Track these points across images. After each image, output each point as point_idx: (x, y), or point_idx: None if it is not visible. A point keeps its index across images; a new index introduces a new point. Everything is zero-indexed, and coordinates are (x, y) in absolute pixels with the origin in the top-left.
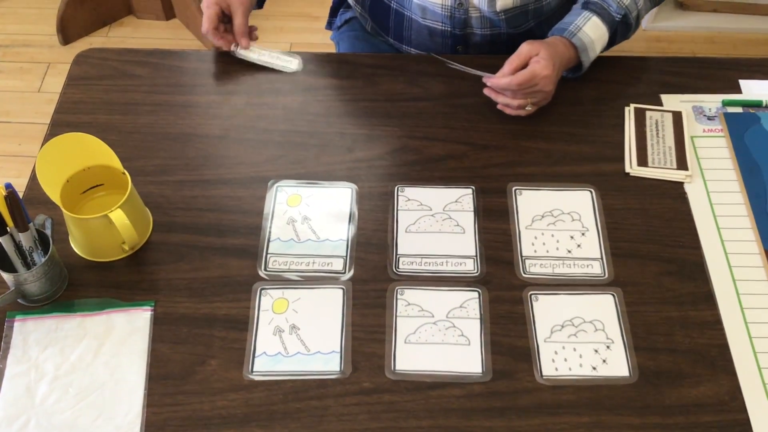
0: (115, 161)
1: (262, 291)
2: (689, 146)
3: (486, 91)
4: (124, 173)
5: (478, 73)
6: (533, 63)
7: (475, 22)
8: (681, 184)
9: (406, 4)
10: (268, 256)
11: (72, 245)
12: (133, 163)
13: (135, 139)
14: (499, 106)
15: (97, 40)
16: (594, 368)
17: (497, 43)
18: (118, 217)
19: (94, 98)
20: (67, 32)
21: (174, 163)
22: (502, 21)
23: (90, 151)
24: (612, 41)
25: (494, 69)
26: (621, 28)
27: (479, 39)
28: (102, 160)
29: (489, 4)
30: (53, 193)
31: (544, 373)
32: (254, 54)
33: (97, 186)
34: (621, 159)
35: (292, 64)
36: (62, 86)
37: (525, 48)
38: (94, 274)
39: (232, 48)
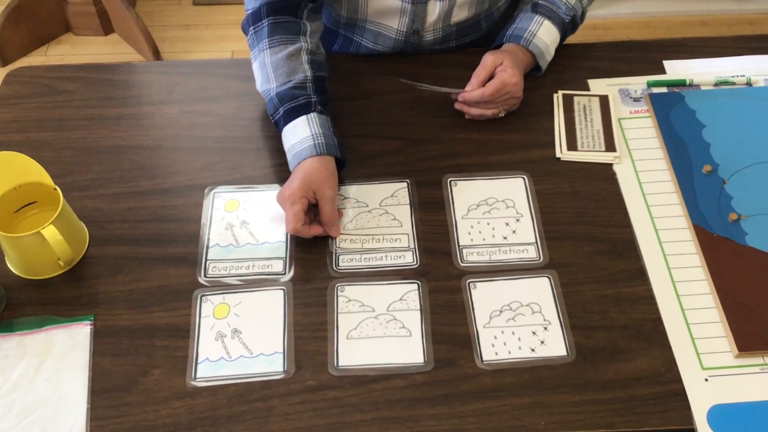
0: (46, 178)
1: (203, 297)
2: (617, 128)
3: (457, 106)
4: (55, 189)
5: (448, 90)
6: (501, 72)
7: (426, 44)
8: (610, 165)
9: (357, 31)
10: (208, 262)
11: (8, 265)
12: (67, 179)
13: (68, 155)
14: (468, 116)
15: (37, 59)
16: (533, 350)
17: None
18: (51, 233)
19: (26, 116)
20: (4, 54)
21: (108, 176)
22: (454, 33)
23: (20, 169)
24: (562, 40)
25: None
26: (569, 27)
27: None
28: (33, 177)
29: (444, 20)
30: None
31: (484, 359)
32: (356, 244)
33: (30, 204)
34: (552, 145)
35: (401, 241)
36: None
37: (489, 59)
38: (32, 292)
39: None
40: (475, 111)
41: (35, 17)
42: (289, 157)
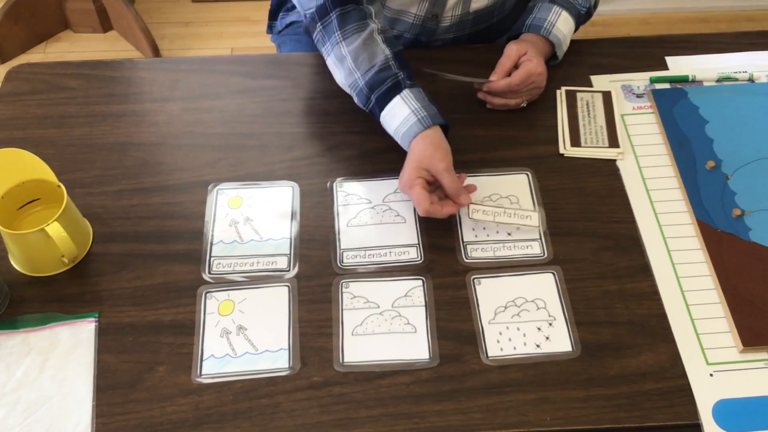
0: (49, 175)
1: (207, 294)
2: (620, 124)
3: (480, 95)
4: (59, 186)
5: (473, 80)
6: (526, 62)
7: (442, 30)
8: (614, 161)
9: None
10: (212, 259)
11: (12, 262)
12: (70, 176)
13: (71, 152)
14: (489, 106)
15: (35, 56)
16: (538, 346)
17: (457, 44)
18: (55, 230)
19: (27, 113)
20: (3, 51)
21: (111, 173)
22: (470, 21)
23: (24, 166)
24: (575, 31)
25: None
26: (584, 18)
27: (440, 44)
28: (36, 174)
29: (463, 7)
30: None
31: (489, 355)
32: (488, 216)
33: (33, 201)
34: (555, 141)
35: (532, 219)
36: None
37: (514, 49)
38: (36, 290)
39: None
40: (498, 101)
41: (34, 14)
42: (398, 139)
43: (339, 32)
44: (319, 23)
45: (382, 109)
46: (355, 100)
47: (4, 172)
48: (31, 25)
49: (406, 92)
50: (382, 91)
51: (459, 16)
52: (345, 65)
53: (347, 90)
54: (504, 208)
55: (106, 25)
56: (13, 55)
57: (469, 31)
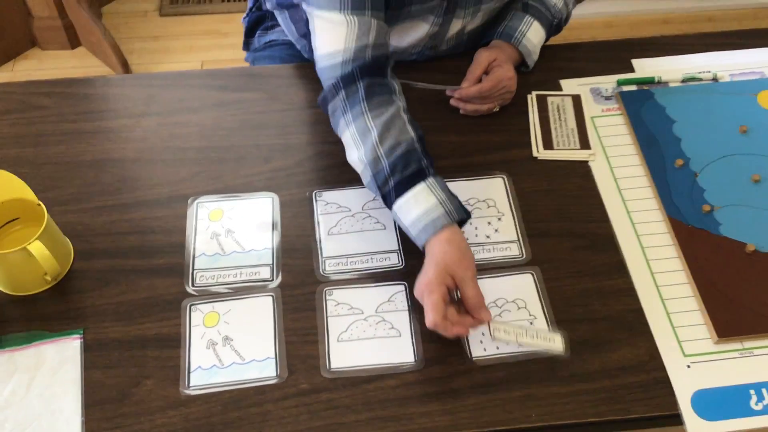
0: (28, 193)
1: (192, 307)
2: (590, 126)
3: (453, 102)
4: (39, 204)
5: (445, 87)
6: (496, 68)
7: (440, 52)
8: (586, 162)
9: None
10: (195, 271)
11: None
12: (48, 194)
13: (47, 170)
14: (462, 112)
15: (3, 75)
16: (520, 345)
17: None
18: (37, 248)
19: (2, 133)
20: None
21: (89, 190)
22: (465, 42)
23: (2, 185)
24: (545, 41)
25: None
26: (555, 30)
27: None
28: (15, 193)
29: (458, 34)
30: None
31: (474, 355)
32: (510, 336)
33: (12, 221)
34: (528, 144)
35: (556, 342)
36: None
37: (484, 55)
38: (19, 309)
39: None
40: (470, 107)
41: (0, 33)
42: (415, 231)
43: (365, 103)
44: (343, 91)
45: (400, 195)
46: (367, 179)
47: None
48: None
49: (431, 180)
50: (406, 175)
51: (455, 39)
52: (368, 139)
53: (359, 167)
54: (525, 329)
55: (74, 42)
56: None
57: (463, 50)
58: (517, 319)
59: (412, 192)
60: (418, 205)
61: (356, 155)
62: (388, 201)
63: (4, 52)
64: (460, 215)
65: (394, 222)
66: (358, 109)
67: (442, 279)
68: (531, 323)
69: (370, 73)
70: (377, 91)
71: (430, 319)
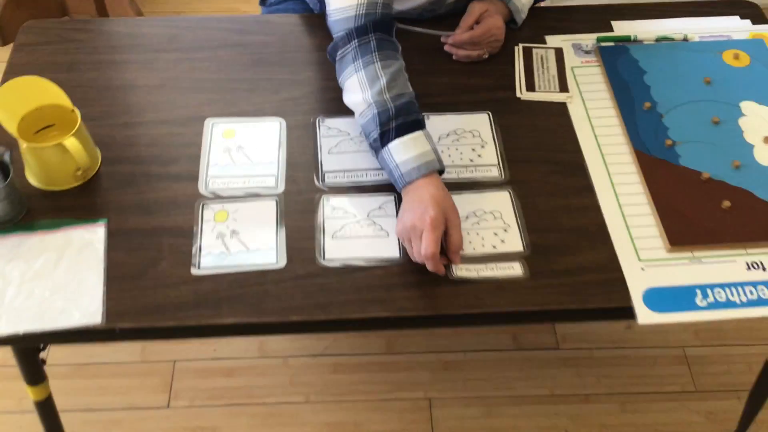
0: (64, 100)
1: (204, 205)
2: (570, 75)
3: (447, 48)
4: (73, 111)
5: (440, 32)
6: (487, 17)
7: (439, 16)
8: (564, 104)
9: None
10: (208, 178)
11: (28, 179)
12: (80, 110)
13: (80, 92)
14: (455, 57)
15: None
16: (494, 246)
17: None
18: (72, 143)
19: (40, 60)
20: (5, 33)
21: (117, 109)
22: (463, 3)
23: (41, 92)
24: (535, 2)
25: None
26: None
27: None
28: (52, 99)
29: None
30: (10, 129)
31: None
32: (472, 273)
33: (48, 126)
34: (513, 87)
35: (515, 269)
36: (10, 52)
37: (476, 7)
38: (50, 201)
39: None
40: (462, 53)
41: (33, 3)
42: (406, 168)
43: (377, 53)
44: (356, 40)
45: (399, 135)
46: (367, 118)
47: (24, 98)
48: (32, 9)
49: (427, 131)
50: (408, 120)
51: (453, 3)
52: (377, 84)
53: (360, 107)
54: (485, 264)
55: (101, 11)
56: (15, 37)
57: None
58: (493, 227)
59: (410, 135)
60: (416, 147)
61: (360, 97)
62: (385, 138)
63: (37, 17)
64: (442, 166)
65: None
66: (369, 58)
67: (443, 219)
68: (505, 230)
69: (380, 28)
70: (386, 45)
71: (431, 251)
